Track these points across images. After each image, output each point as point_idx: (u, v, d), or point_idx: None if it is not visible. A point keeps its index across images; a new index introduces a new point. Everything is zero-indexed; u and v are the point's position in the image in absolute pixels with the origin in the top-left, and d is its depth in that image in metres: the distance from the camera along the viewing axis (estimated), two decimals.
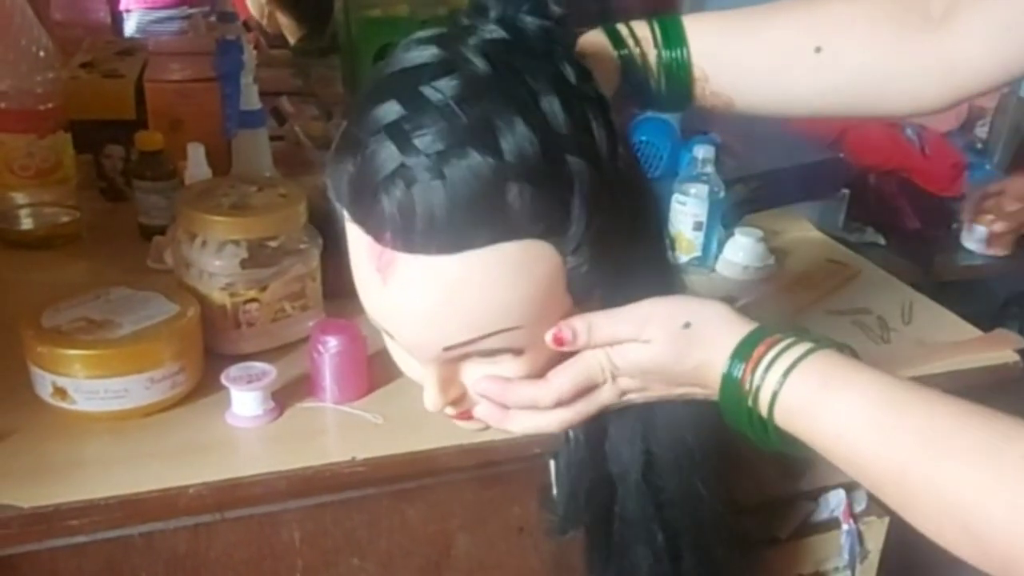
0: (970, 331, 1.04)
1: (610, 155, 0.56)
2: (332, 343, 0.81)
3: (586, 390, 0.60)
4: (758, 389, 0.55)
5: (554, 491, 0.80)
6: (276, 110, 1.52)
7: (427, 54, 0.54)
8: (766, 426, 0.56)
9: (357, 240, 0.55)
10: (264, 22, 2.10)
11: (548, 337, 0.58)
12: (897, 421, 0.51)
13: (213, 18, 1.88)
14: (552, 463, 0.80)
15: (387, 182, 0.51)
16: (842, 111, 0.72)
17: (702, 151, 1.13)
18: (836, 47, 0.66)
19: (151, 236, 1.08)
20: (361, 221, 0.54)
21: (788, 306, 1.06)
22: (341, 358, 0.82)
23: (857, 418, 0.52)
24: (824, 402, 0.53)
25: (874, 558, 1.05)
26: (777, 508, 0.99)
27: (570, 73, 0.55)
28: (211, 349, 0.86)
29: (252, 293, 0.87)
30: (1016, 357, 0.98)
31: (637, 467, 0.74)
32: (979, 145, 2.10)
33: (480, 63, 0.52)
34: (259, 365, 0.81)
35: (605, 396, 0.61)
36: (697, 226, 1.13)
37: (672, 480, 0.74)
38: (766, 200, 1.31)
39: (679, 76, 0.68)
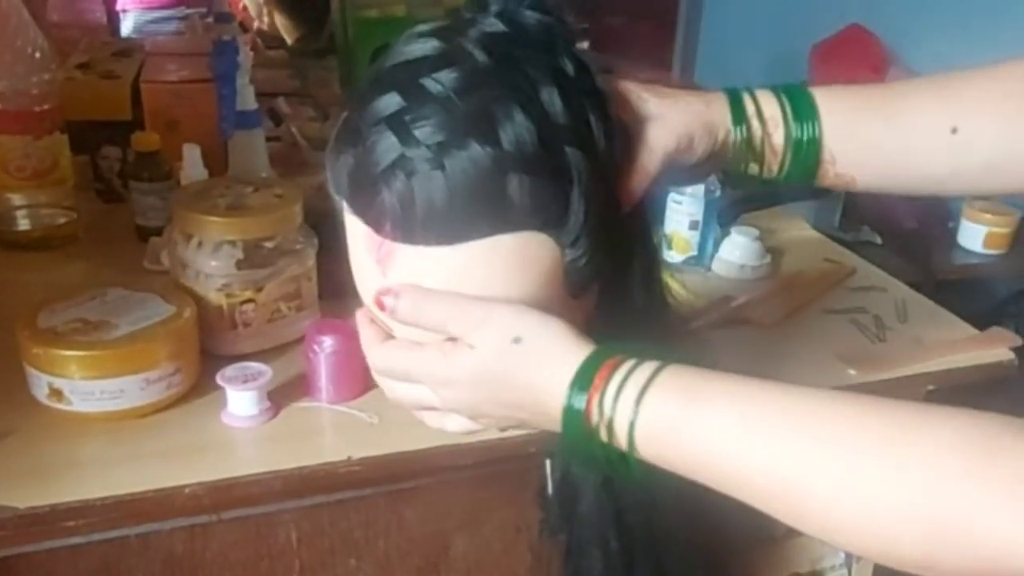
0: (966, 330, 1.04)
1: (607, 148, 0.56)
2: (328, 343, 0.81)
3: (405, 378, 0.57)
4: (610, 421, 0.50)
5: (549, 491, 0.80)
6: (272, 111, 1.52)
7: (427, 47, 0.54)
8: (627, 460, 0.51)
9: (356, 231, 0.56)
10: (264, 21, 2.10)
11: (370, 298, 0.56)
12: (779, 425, 0.47)
13: (210, 19, 1.88)
14: (548, 462, 0.80)
15: (387, 173, 0.52)
16: (974, 190, 0.70)
17: None
18: (972, 128, 0.62)
19: (148, 237, 1.08)
20: (361, 212, 0.54)
21: (784, 305, 1.06)
22: (337, 358, 0.82)
23: (735, 432, 0.47)
24: (691, 420, 0.48)
25: None
26: None
27: (569, 66, 0.55)
28: (207, 350, 0.86)
29: (248, 294, 0.87)
30: (1011, 356, 0.98)
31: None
32: None
33: (480, 55, 0.53)
34: (255, 365, 0.81)
35: (429, 396, 0.57)
36: (693, 225, 1.13)
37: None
38: (762, 199, 1.31)
39: (808, 159, 0.63)
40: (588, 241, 0.55)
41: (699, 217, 1.13)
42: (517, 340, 0.53)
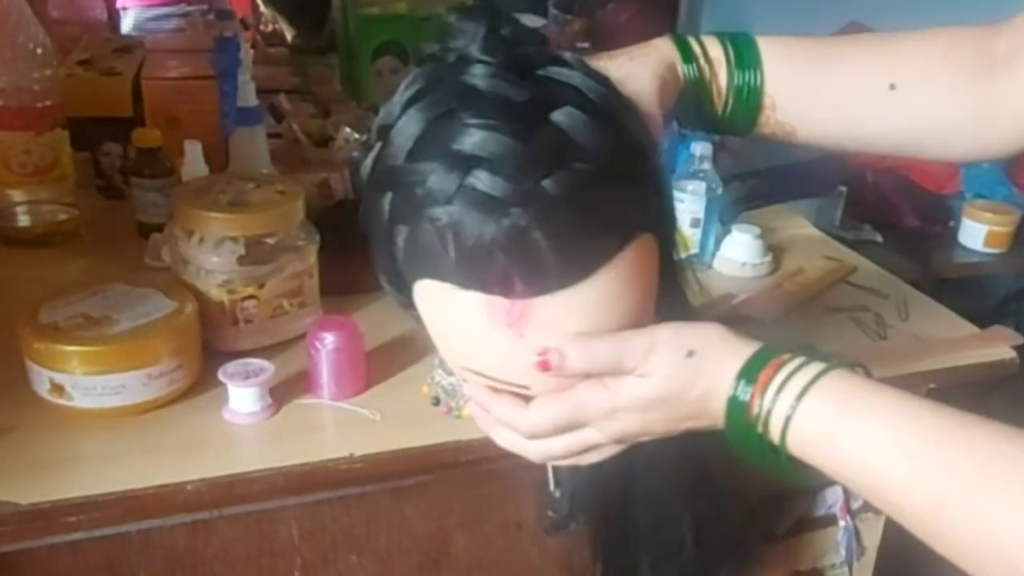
0: (967, 328, 1.04)
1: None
2: (329, 340, 0.81)
3: (568, 428, 0.57)
4: (768, 414, 0.51)
5: (551, 487, 0.80)
6: (273, 107, 1.52)
7: (435, 105, 0.53)
8: (778, 454, 0.52)
9: (468, 306, 0.52)
10: (270, 26, 2.10)
11: (532, 359, 0.53)
12: (928, 448, 0.47)
13: (211, 16, 1.88)
14: None
15: (499, 235, 0.49)
16: (907, 151, 0.70)
17: (700, 148, 1.13)
18: (910, 87, 0.64)
19: (149, 234, 1.08)
20: (479, 285, 0.51)
21: (785, 303, 1.06)
22: (339, 355, 0.82)
23: (883, 446, 0.48)
24: (845, 428, 0.49)
25: (871, 554, 1.06)
26: (774, 504, 0.99)
27: (588, 74, 0.55)
28: (209, 346, 0.86)
29: (250, 290, 0.87)
30: (1012, 354, 0.98)
31: (638, 465, 0.74)
32: None
33: (514, 92, 0.52)
34: (257, 362, 0.81)
35: (593, 436, 0.57)
36: (695, 223, 1.13)
37: (671, 479, 0.74)
38: (764, 197, 1.31)
39: (748, 102, 0.65)
40: (671, 229, 0.58)
41: (700, 215, 1.13)
42: (691, 354, 0.53)
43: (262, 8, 2.11)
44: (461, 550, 0.87)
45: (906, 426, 0.48)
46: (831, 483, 1.00)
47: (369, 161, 0.57)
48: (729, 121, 0.66)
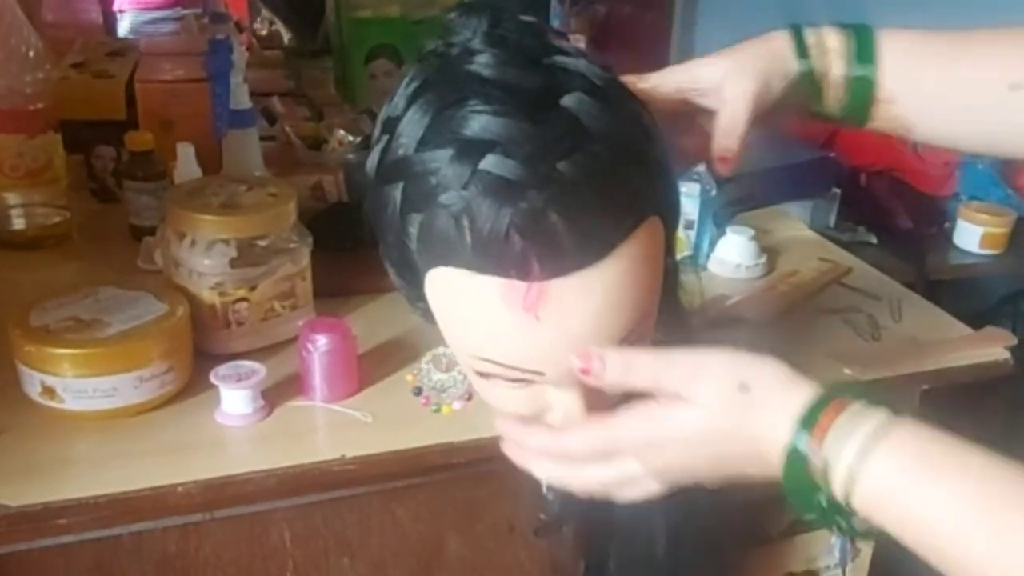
0: (961, 329, 1.04)
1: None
2: (322, 342, 0.81)
3: (606, 455, 0.55)
4: (830, 468, 0.47)
5: (543, 490, 0.80)
6: (267, 110, 1.52)
7: (452, 90, 0.53)
8: (841, 511, 0.48)
9: (483, 291, 0.52)
10: (268, 28, 2.11)
11: (575, 363, 0.53)
12: (1009, 516, 0.44)
13: (206, 19, 1.88)
14: None
15: (515, 218, 0.49)
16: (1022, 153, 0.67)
17: None
18: None
19: (141, 236, 1.08)
20: (496, 268, 0.51)
21: (779, 304, 1.06)
22: (331, 357, 0.82)
23: (959, 512, 0.45)
24: (918, 490, 0.46)
25: (865, 556, 1.05)
26: (768, 505, 0.99)
27: (591, 61, 0.56)
28: (200, 348, 0.85)
29: (241, 292, 0.87)
30: (1007, 355, 0.98)
31: None
32: None
33: (526, 79, 0.52)
34: (249, 364, 0.81)
35: (633, 468, 0.54)
36: (689, 225, 1.13)
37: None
38: (758, 199, 1.31)
39: (863, 96, 0.64)
40: (676, 215, 0.59)
41: (695, 216, 1.13)
42: (744, 389, 0.50)
43: (262, 10, 2.11)
44: (453, 552, 0.87)
45: (984, 492, 0.45)
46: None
47: (375, 155, 0.57)
48: (841, 114, 0.65)
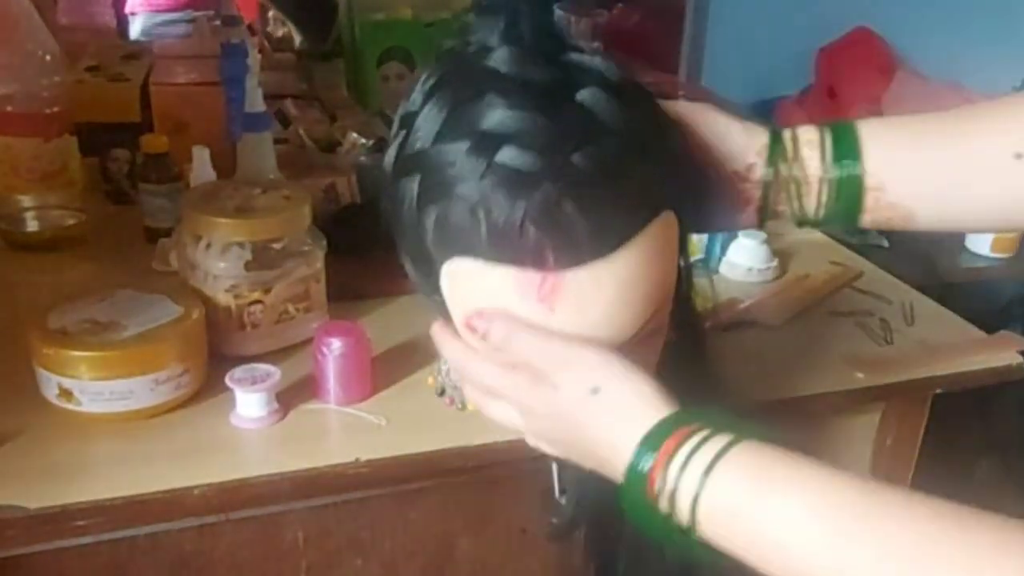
0: (974, 333, 1.04)
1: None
2: (336, 345, 0.82)
3: (492, 392, 0.58)
4: (674, 491, 0.48)
5: (556, 493, 0.80)
6: (280, 113, 1.52)
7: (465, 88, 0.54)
8: (688, 534, 0.49)
9: (498, 283, 0.53)
10: (280, 30, 2.11)
11: (465, 321, 0.55)
12: (856, 527, 0.43)
13: (218, 22, 1.89)
14: (555, 465, 0.80)
15: (530, 209, 0.50)
16: None
17: None
18: None
19: (156, 239, 1.09)
20: (512, 258, 0.52)
21: (791, 308, 1.06)
22: (345, 360, 0.82)
23: (806, 524, 0.44)
24: (760, 506, 0.46)
25: None
26: None
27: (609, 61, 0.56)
28: (215, 351, 0.86)
29: (256, 295, 0.87)
30: (1020, 359, 0.98)
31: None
32: None
33: (538, 73, 0.53)
34: (263, 367, 0.82)
35: (512, 414, 0.58)
36: None
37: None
38: None
39: (847, 192, 0.60)
40: (691, 211, 0.58)
41: None
42: (595, 391, 0.52)
43: (271, 12, 2.12)
44: (465, 555, 0.88)
45: (826, 502, 0.45)
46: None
47: (392, 150, 0.57)
48: (826, 215, 0.62)
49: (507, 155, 0.50)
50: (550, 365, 0.53)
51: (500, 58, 0.53)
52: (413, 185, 0.54)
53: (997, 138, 0.59)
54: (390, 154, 0.57)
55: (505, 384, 0.56)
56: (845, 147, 0.60)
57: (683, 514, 0.48)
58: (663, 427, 0.50)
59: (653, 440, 0.50)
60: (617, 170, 0.52)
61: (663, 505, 0.49)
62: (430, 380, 0.83)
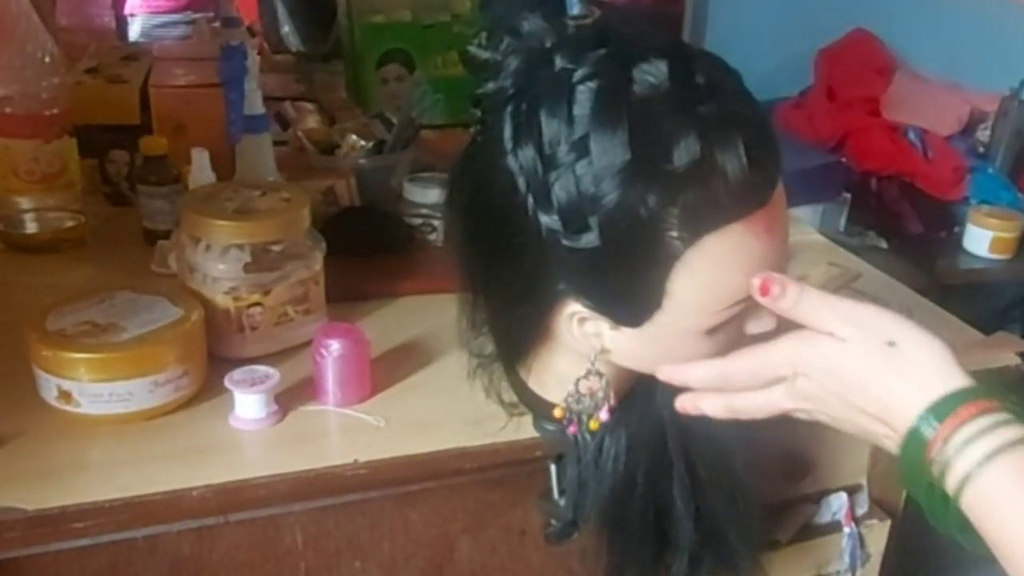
0: (972, 334, 1.04)
1: None
2: (335, 347, 0.82)
3: (758, 379, 0.59)
4: (948, 463, 0.48)
5: (555, 495, 0.80)
6: (280, 115, 1.52)
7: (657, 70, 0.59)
8: (947, 505, 0.49)
9: (734, 242, 0.58)
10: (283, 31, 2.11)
11: (755, 282, 0.57)
12: None
13: (217, 23, 1.89)
14: (553, 467, 0.80)
15: (743, 144, 0.56)
16: None
17: None
18: None
19: (155, 241, 1.09)
20: (762, 197, 0.58)
21: None
22: (344, 361, 0.82)
23: None
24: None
25: (876, 561, 1.05)
26: (778, 511, 0.99)
27: None
28: (214, 353, 0.86)
29: (255, 297, 0.87)
30: (1018, 360, 0.98)
31: (640, 475, 0.74)
32: (981, 149, 2.10)
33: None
34: (262, 368, 0.82)
35: (778, 394, 0.58)
36: None
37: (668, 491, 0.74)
38: None
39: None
40: None
41: None
42: (892, 344, 0.53)
43: (278, 8, 2.11)
44: (464, 556, 0.88)
45: None
46: (837, 488, 1.01)
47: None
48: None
49: (713, 114, 0.57)
50: (840, 317, 0.54)
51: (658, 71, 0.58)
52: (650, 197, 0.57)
53: None
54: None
55: (777, 350, 0.58)
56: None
57: (950, 487, 0.48)
58: (956, 397, 0.49)
59: (941, 408, 0.49)
60: (769, 127, 0.60)
61: (934, 470, 0.49)
62: (557, 412, 0.75)
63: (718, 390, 0.61)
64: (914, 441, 0.50)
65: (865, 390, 0.53)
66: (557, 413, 0.73)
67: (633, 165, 0.55)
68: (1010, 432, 0.48)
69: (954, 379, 0.50)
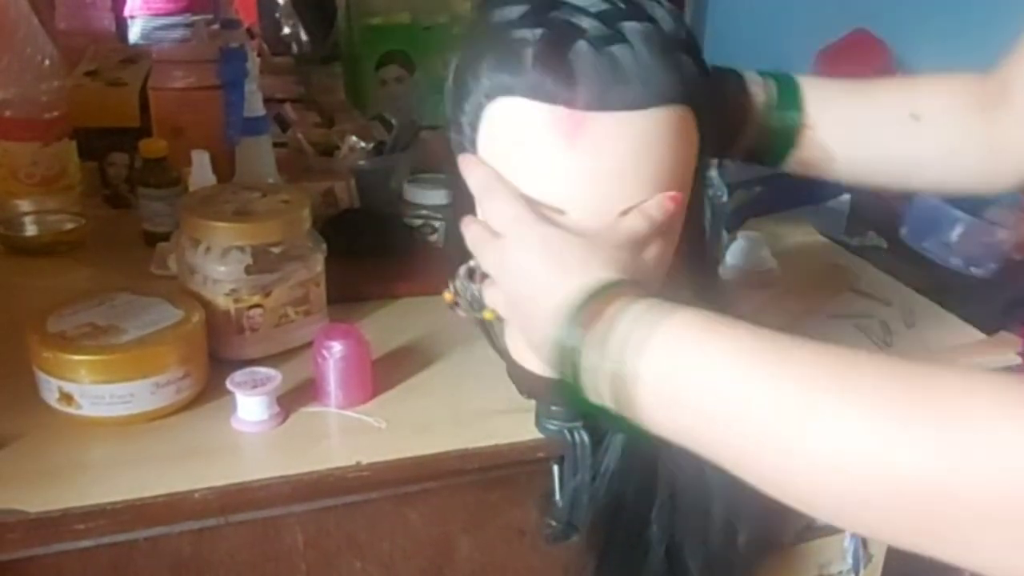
0: (973, 334, 1.04)
1: None
2: (336, 348, 0.82)
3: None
4: (612, 334, 0.50)
5: (556, 497, 0.80)
6: (279, 116, 1.52)
7: None
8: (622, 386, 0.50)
9: (531, 118, 0.59)
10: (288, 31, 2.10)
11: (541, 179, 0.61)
12: (792, 369, 0.46)
13: (216, 25, 1.89)
14: (556, 468, 0.80)
15: (579, 47, 0.57)
16: (931, 183, 0.76)
17: None
18: (931, 118, 0.69)
19: (155, 243, 1.09)
20: (552, 92, 0.58)
21: (790, 310, 1.06)
22: (345, 363, 0.82)
23: (745, 365, 0.47)
24: (701, 351, 0.48)
25: (878, 562, 1.05)
26: (780, 512, 0.99)
27: None
28: (215, 354, 0.86)
29: (256, 298, 0.87)
30: (1019, 360, 0.98)
31: (637, 479, 0.74)
32: None
33: None
34: (264, 370, 0.82)
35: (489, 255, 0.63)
36: None
37: (686, 497, 0.75)
38: (768, 204, 1.31)
39: (789, 122, 0.70)
40: (711, 141, 0.64)
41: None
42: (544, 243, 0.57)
43: (278, 13, 2.10)
44: (464, 556, 0.87)
45: (764, 346, 0.48)
46: None
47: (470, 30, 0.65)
48: (770, 143, 0.71)
49: (564, 13, 0.59)
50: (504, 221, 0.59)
51: None
52: (479, 45, 0.62)
53: (898, 99, 0.70)
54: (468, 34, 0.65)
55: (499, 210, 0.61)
56: (788, 92, 0.71)
57: (629, 366, 0.49)
58: (606, 287, 0.53)
59: (601, 291, 0.53)
60: (660, 47, 0.59)
61: (592, 353, 0.51)
62: (447, 296, 0.75)
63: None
64: (572, 314, 0.52)
65: (530, 279, 0.57)
66: (447, 297, 0.74)
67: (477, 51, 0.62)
68: (663, 308, 0.50)
69: (586, 277, 0.54)
